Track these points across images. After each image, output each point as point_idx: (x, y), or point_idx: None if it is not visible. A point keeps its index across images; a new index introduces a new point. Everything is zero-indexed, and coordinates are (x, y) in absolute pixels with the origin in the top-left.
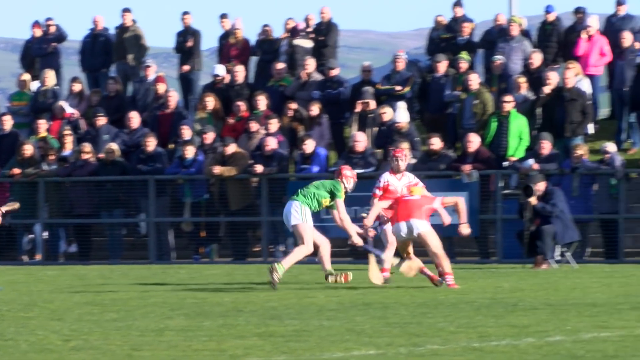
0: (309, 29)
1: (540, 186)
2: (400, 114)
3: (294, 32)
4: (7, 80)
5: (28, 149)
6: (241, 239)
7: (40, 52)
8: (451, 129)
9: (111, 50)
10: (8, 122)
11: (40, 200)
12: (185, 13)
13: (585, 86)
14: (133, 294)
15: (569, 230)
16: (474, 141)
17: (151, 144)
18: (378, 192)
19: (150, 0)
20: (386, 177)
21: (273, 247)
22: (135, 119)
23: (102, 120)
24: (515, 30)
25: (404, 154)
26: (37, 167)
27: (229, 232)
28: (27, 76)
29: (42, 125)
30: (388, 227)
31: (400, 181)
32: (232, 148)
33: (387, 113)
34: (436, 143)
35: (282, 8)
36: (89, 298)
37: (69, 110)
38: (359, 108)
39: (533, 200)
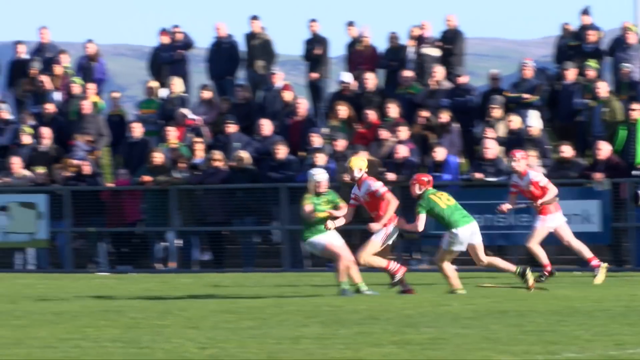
0: (431, 37)
1: None
2: (532, 121)
3: (420, 40)
4: (134, 87)
5: (158, 157)
6: None
7: (167, 59)
8: (581, 137)
9: (236, 57)
10: (137, 130)
11: (173, 208)
12: (313, 21)
13: None
14: (268, 301)
15: None
16: (604, 149)
17: (282, 151)
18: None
19: (278, 8)
20: (513, 179)
21: (409, 255)
22: (266, 126)
23: (232, 128)
24: (632, 39)
25: (517, 156)
26: (168, 174)
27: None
28: (154, 83)
29: (172, 132)
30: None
31: (522, 180)
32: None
33: (514, 121)
34: (567, 151)
35: (408, 16)
36: (224, 306)
37: (191, 117)
38: (489, 116)
39: None
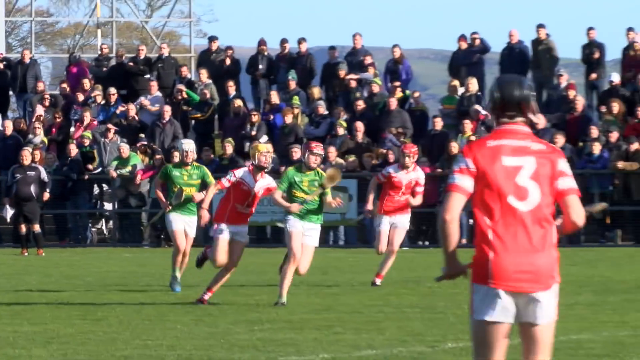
0: None
1: None
2: None
3: None
4: (436, 87)
5: (455, 147)
6: None
7: (465, 62)
8: None
9: (526, 61)
10: (438, 123)
11: None
12: (590, 29)
13: None
14: None
15: None
16: None
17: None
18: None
19: (559, 16)
20: (389, 169)
21: None
22: (541, 120)
23: None
24: None
25: (412, 152)
26: None
27: (631, 220)
28: (456, 82)
29: (467, 125)
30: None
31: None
32: (635, 146)
33: None
34: None
35: None
36: None
37: (483, 112)
38: None
39: None
